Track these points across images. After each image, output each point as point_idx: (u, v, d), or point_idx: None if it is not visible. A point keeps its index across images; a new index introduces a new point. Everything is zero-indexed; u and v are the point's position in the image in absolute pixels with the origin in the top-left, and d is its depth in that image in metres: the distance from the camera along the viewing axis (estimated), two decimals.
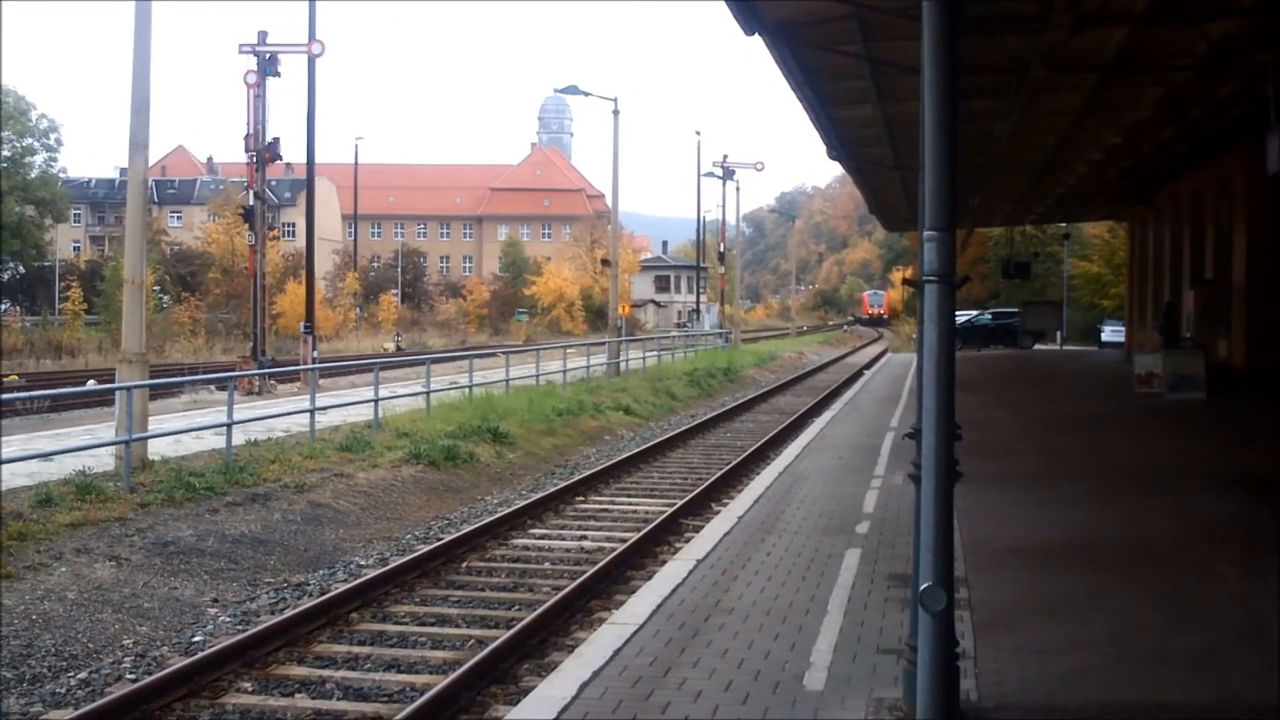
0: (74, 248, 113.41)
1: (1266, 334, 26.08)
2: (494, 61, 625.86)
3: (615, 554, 13.43)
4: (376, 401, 23.09)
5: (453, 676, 9.09)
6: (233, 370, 29.71)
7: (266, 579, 13.34)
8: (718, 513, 14.72)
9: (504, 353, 35.31)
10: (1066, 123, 22.09)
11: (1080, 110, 20.75)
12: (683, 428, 27.53)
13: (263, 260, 34.89)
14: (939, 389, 6.06)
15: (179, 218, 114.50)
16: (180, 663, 9.68)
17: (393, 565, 13.10)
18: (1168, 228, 36.64)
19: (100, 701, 8.81)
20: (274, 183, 79.12)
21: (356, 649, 10.47)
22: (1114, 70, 17.44)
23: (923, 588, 6.00)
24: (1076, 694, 6.96)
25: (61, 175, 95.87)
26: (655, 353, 47.33)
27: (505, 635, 10.17)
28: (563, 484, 18.98)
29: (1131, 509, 13.20)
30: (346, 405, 24.40)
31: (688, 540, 13.27)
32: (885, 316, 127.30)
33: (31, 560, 11.93)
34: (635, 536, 14.45)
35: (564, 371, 34.01)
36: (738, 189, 70.55)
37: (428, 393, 25.36)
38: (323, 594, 12.16)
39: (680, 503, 16.80)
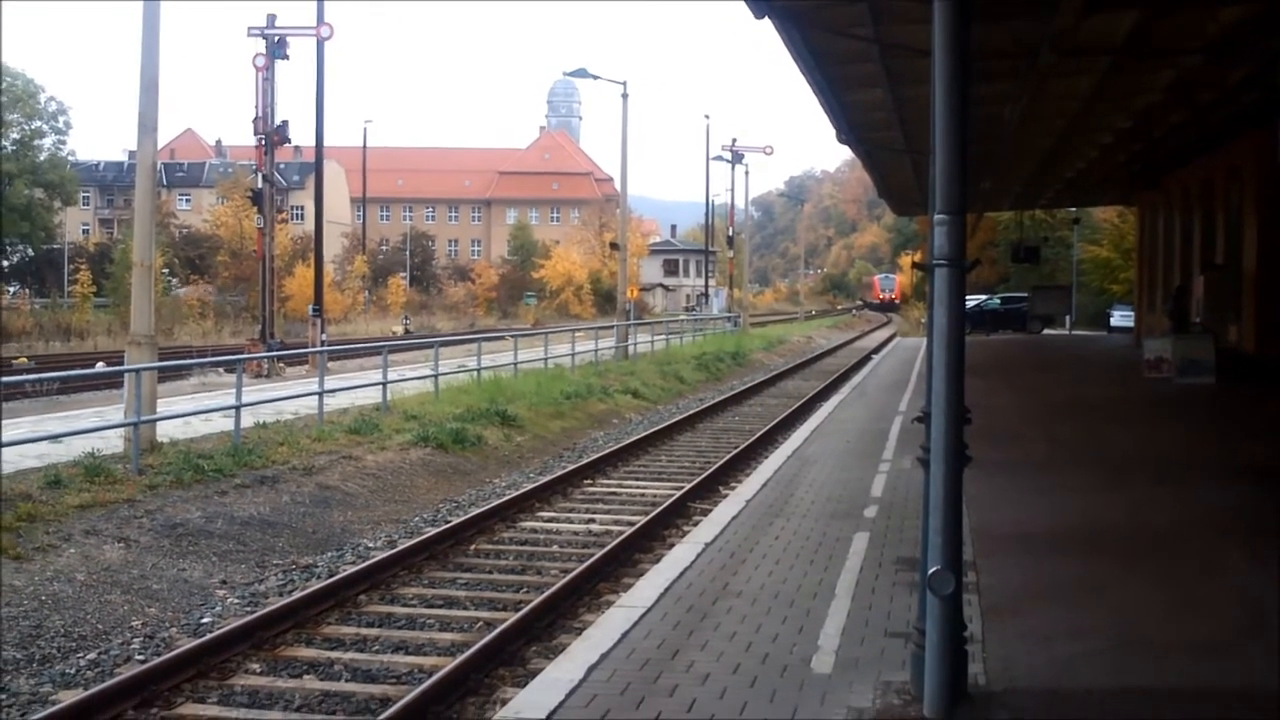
0: (83, 230, 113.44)
1: (1277, 319, 26.01)
2: (503, 45, 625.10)
3: (623, 537, 13.45)
4: (385, 384, 23.12)
5: (461, 659, 9.11)
6: (241, 353, 29.75)
7: (275, 561, 13.37)
8: (726, 496, 14.74)
9: (512, 336, 35.29)
10: (1076, 107, 22.01)
11: (1090, 94, 20.68)
12: (691, 411, 27.54)
13: (271, 243, 34.90)
14: (948, 373, 6.06)
15: (188, 200, 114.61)
16: (189, 644, 9.71)
17: (401, 547, 13.12)
18: (1178, 213, 36.54)
19: (109, 682, 8.84)
20: (282, 166, 79.06)
21: (365, 631, 10.49)
22: (1124, 54, 17.36)
23: (931, 572, 6.00)
24: (1082, 678, 6.97)
25: (70, 158, 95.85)
26: (663, 336, 47.33)
27: (513, 618, 10.19)
28: (571, 467, 19.00)
29: (1138, 496, 13.19)
30: (355, 388, 24.44)
31: (695, 524, 13.27)
32: (897, 302, 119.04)
33: (41, 542, 11.96)
34: (643, 520, 14.46)
35: (572, 355, 34.02)
36: (746, 173, 70.74)
37: (436, 376, 25.40)
38: (331, 576, 12.19)
39: (688, 486, 16.81)
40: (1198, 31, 16.55)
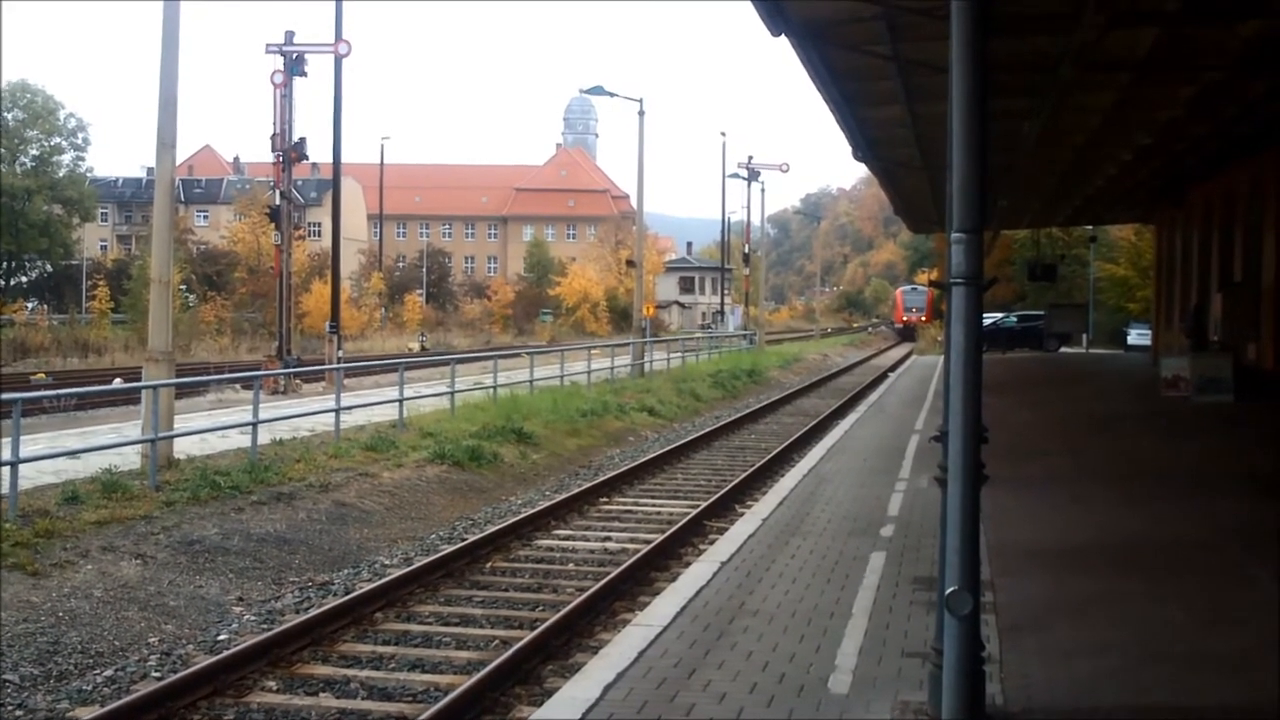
0: (101, 246, 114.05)
1: None
2: (519, 62, 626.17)
3: (639, 555, 13.40)
4: (401, 401, 23.13)
5: (477, 677, 9.09)
6: (258, 369, 29.80)
7: (291, 578, 13.37)
8: (742, 515, 14.70)
9: (528, 353, 35.33)
10: (1097, 122, 21.94)
11: (1111, 109, 20.61)
12: (707, 429, 27.49)
13: (288, 260, 34.97)
14: (966, 392, 6.02)
15: (205, 217, 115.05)
16: (205, 661, 9.71)
17: (417, 565, 13.11)
18: (1196, 230, 36.40)
19: (126, 699, 8.84)
20: (300, 182, 79.24)
21: (381, 648, 10.48)
22: (1146, 69, 17.32)
23: (949, 591, 5.97)
24: (1103, 697, 6.92)
25: (89, 174, 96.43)
26: (679, 354, 47.31)
27: (529, 636, 10.16)
28: (587, 485, 18.98)
29: (1157, 512, 13.14)
30: (371, 405, 24.45)
31: (712, 542, 13.24)
32: (927, 324, 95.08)
33: (58, 558, 11.97)
34: (659, 538, 14.42)
35: (588, 372, 34.02)
36: (762, 190, 70.82)
37: (452, 393, 25.40)
38: (347, 593, 12.18)
39: (704, 504, 16.77)
40: (1220, 46, 16.50)
